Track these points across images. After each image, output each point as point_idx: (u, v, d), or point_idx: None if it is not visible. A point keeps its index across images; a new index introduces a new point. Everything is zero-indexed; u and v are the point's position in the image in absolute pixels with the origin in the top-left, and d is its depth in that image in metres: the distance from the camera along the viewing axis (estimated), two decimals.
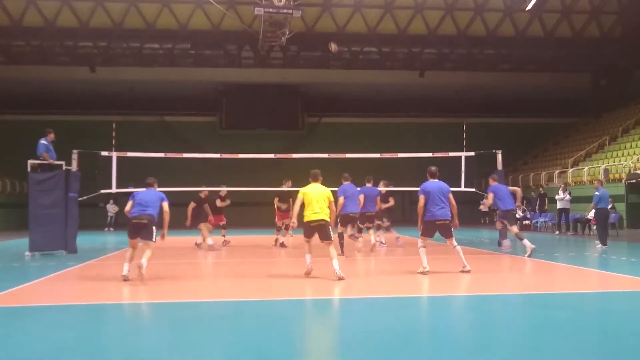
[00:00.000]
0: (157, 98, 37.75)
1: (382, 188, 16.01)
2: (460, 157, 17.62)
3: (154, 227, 9.91)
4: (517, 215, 26.22)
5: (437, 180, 10.45)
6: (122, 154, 16.41)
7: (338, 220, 13.58)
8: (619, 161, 25.87)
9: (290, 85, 37.68)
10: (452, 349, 5.51)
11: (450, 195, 10.33)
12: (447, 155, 18.29)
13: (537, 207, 26.32)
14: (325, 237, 10.03)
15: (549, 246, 17.24)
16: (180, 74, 36.13)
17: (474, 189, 18.55)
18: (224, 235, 17.66)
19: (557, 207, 22.75)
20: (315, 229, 10.08)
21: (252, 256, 14.82)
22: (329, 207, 10.19)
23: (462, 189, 17.23)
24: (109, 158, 16.07)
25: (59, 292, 9.16)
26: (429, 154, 18.93)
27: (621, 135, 30.18)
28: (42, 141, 14.90)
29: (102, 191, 16.63)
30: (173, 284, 10.07)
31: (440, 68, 37.42)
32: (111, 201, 29.64)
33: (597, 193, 16.14)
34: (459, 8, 33.51)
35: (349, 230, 13.93)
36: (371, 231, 14.57)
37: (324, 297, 8.56)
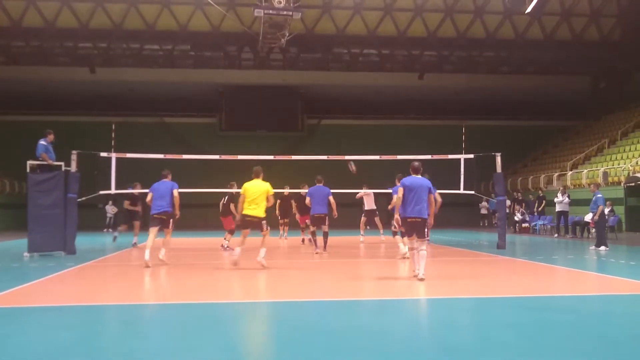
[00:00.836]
0: (156, 99, 37.76)
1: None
2: (459, 159, 17.63)
3: (171, 219, 12.38)
4: (516, 218, 26.35)
5: (419, 176, 9.91)
6: (121, 155, 16.42)
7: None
8: (618, 164, 25.89)
9: (290, 87, 37.70)
10: (450, 352, 5.52)
11: (431, 194, 9.73)
12: (446, 158, 18.31)
13: (535, 209, 26.33)
14: (259, 229, 11.17)
15: (548, 249, 17.25)
16: (180, 75, 36.16)
17: (473, 192, 18.56)
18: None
19: (556, 210, 22.74)
20: (248, 224, 11.19)
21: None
22: (267, 201, 11.23)
23: (462, 191, 17.25)
24: (109, 159, 16.08)
25: (57, 293, 9.15)
26: (429, 156, 18.97)
27: (620, 138, 30.21)
28: (42, 142, 14.89)
29: (102, 192, 16.64)
30: (174, 285, 10.07)
31: (440, 70, 37.47)
32: (110, 202, 29.62)
33: (599, 195, 16.17)
34: (458, 10, 33.54)
35: (311, 229, 14.99)
36: (397, 237, 13.39)
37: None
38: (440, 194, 16.74)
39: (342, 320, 7.00)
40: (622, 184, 24.19)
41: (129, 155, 16.83)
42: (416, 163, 10.01)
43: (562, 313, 7.30)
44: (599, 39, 34.94)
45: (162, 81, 36.03)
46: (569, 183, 27.72)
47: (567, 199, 22.30)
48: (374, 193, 18.62)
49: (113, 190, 16.41)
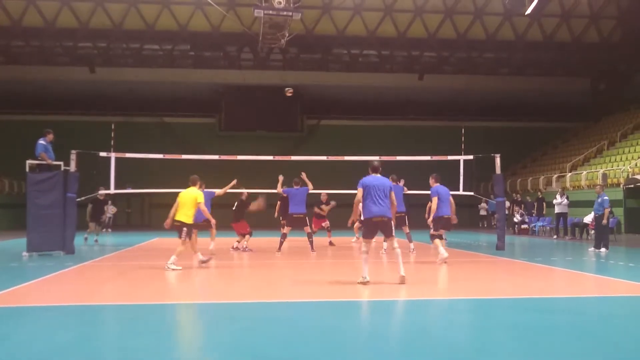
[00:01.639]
0: (156, 99, 37.75)
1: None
2: (459, 160, 17.64)
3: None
4: (516, 220, 26.35)
5: (378, 175, 9.66)
6: (121, 155, 16.42)
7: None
8: (618, 166, 25.90)
9: (290, 88, 37.64)
10: (448, 354, 5.52)
11: (392, 193, 9.51)
12: (445, 159, 18.33)
13: (534, 211, 26.34)
14: (179, 235, 11.69)
15: (547, 250, 17.25)
16: (179, 75, 36.16)
17: (472, 193, 18.57)
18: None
19: (555, 212, 22.77)
20: (175, 227, 11.70)
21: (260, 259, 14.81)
22: (195, 208, 11.74)
23: (461, 192, 17.25)
24: (108, 159, 16.08)
25: (56, 293, 9.15)
26: (428, 157, 19.00)
27: (620, 139, 30.22)
28: (41, 141, 14.89)
29: (101, 192, 16.64)
30: (175, 285, 10.07)
31: (440, 71, 37.49)
32: (109, 202, 29.59)
33: (606, 197, 16.15)
34: (458, 12, 33.54)
35: (286, 229, 15.29)
36: (437, 241, 12.88)
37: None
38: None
39: (337, 320, 6.99)
40: (621, 186, 24.20)
41: (128, 155, 16.83)
42: (375, 162, 9.79)
43: (561, 314, 7.30)
44: (599, 41, 34.94)
45: (162, 81, 36.03)
46: (568, 184, 27.72)
47: (565, 200, 22.32)
48: None
49: (112, 190, 16.41)
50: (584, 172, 27.18)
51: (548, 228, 24.78)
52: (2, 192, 31.47)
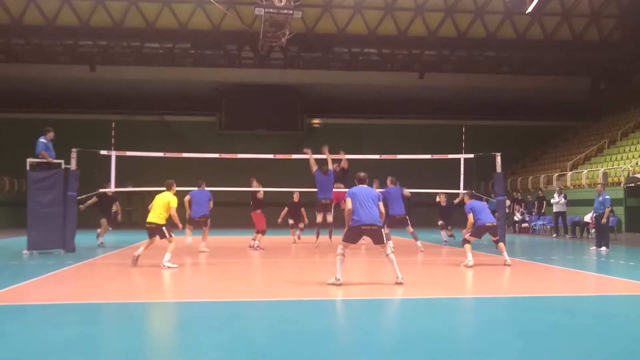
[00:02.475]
0: (156, 97, 37.73)
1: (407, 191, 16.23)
2: (459, 159, 17.63)
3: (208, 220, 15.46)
4: (516, 218, 26.35)
5: (365, 186, 9.69)
6: (121, 153, 16.41)
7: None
8: (618, 165, 25.89)
9: (290, 86, 37.68)
10: (447, 352, 5.52)
11: (380, 203, 9.52)
12: (446, 158, 18.32)
13: (535, 210, 26.34)
14: (151, 236, 12.23)
15: (548, 249, 17.25)
16: (180, 73, 36.14)
17: (472, 191, 18.51)
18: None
19: (554, 211, 22.84)
20: (148, 229, 12.13)
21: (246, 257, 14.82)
22: (168, 212, 12.08)
23: (461, 191, 17.24)
24: (108, 157, 16.07)
25: (56, 291, 9.15)
26: (428, 156, 18.98)
27: (620, 138, 30.21)
28: (42, 140, 14.90)
29: (101, 190, 16.64)
30: (176, 283, 10.08)
31: (440, 70, 37.45)
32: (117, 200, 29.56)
33: (607, 197, 16.15)
34: (459, 10, 33.52)
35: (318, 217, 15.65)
36: (467, 246, 12.45)
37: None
38: (440, 193, 16.64)
39: (335, 319, 7.00)
40: (621, 185, 24.20)
41: (128, 153, 16.82)
42: (362, 174, 9.79)
43: (561, 313, 7.30)
44: (599, 40, 34.93)
45: (162, 79, 36.01)
46: (569, 183, 27.72)
47: (563, 199, 22.38)
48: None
49: (113, 189, 16.41)
50: (585, 171, 27.17)
51: (548, 227, 24.79)
52: (2, 190, 31.48)
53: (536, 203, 26.48)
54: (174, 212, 12.08)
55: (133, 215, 34.23)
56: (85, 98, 36.84)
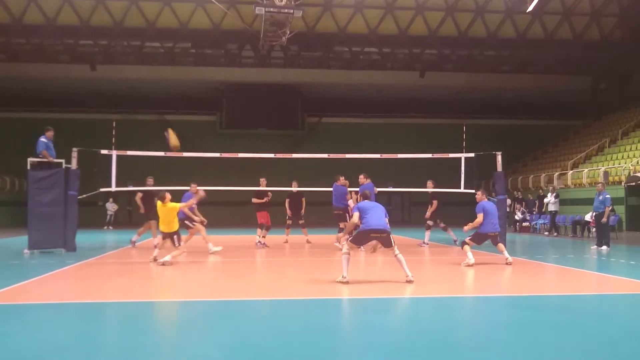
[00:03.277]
0: (157, 97, 37.74)
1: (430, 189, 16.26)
2: (460, 158, 17.61)
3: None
4: (517, 217, 26.34)
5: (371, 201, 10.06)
6: (122, 153, 16.40)
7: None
8: (619, 163, 25.87)
9: (291, 85, 37.68)
10: (447, 351, 5.51)
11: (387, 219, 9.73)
12: (446, 157, 18.30)
13: (535, 209, 26.35)
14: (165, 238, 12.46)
15: (549, 248, 17.25)
16: (180, 72, 36.14)
17: (473, 191, 18.50)
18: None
19: (549, 210, 23.51)
20: (166, 236, 12.35)
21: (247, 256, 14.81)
22: (176, 217, 12.22)
23: (462, 190, 17.23)
24: (109, 156, 16.07)
25: (57, 290, 9.16)
26: (429, 155, 18.98)
27: (621, 137, 30.18)
28: (42, 139, 14.88)
29: (102, 190, 16.63)
30: (174, 282, 10.08)
31: (441, 69, 37.44)
32: (110, 199, 29.62)
33: (608, 196, 16.15)
34: (459, 9, 33.52)
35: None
36: (466, 247, 12.30)
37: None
38: (440, 192, 16.58)
39: (339, 317, 6.99)
40: (622, 184, 24.18)
41: (129, 152, 16.81)
42: (367, 192, 10.23)
43: (561, 312, 7.29)
44: (600, 39, 34.92)
45: (163, 79, 36.02)
46: (569, 182, 27.70)
47: (553, 199, 22.78)
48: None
49: (113, 188, 16.40)
50: (586, 170, 27.15)
51: (549, 226, 24.81)
52: (3, 190, 31.49)
53: (537, 202, 26.49)
54: (187, 212, 12.18)
55: (133, 215, 34.16)
56: (85, 97, 36.86)
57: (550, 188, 24.10)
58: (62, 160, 15.19)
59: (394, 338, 6.06)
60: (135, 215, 35.77)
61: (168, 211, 12.10)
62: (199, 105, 38.58)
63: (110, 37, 33.75)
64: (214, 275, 11.17)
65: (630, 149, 27.16)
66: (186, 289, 9.57)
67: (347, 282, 9.22)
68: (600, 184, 16.80)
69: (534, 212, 26.24)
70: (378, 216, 9.57)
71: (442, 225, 17.17)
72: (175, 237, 12.18)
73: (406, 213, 37.52)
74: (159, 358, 5.40)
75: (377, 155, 18.89)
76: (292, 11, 24.15)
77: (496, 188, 17.43)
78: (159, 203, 12.22)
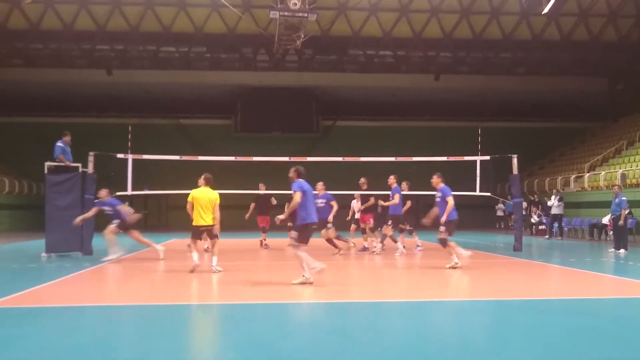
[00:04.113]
0: (172, 101, 37.99)
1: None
2: (475, 161, 17.53)
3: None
4: (533, 220, 26.15)
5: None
6: (138, 157, 16.51)
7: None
8: (636, 166, 25.56)
9: (305, 88, 37.75)
10: (463, 356, 5.48)
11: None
12: (462, 160, 18.21)
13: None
14: (212, 237, 11.45)
15: (565, 251, 17.09)
16: (196, 77, 36.33)
17: (489, 194, 18.42)
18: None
19: (552, 213, 23.56)
20: (202, 233, 11.42)
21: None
22: (214, 211, 11.15)
23: (477, 193, 17.15)
24: (125, 160, 16.18)
25: (74, 293, 9.22)
26: (444, 158, 18.89)
27: (638, 139, 29.83)
28: (59, 143, 15.04)
29: (118, 193, 16.74)
30: (191, 286, 10.10)
31: (456, 72, 37.29)
32: (127, 203, 29.73)
33: (624, 198, 16.00)
34: (474, 11, 33.37)
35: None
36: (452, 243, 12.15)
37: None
38: (456, 195, 16.35)
39: (349, 320, 6.96)
40: None
41: (145, 156, 16.92)
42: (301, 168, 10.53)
43: (581, 316, 7.22)
44: (617, 40, 34.57)
45: (178, 83, 36.24)
46: (586, 185, 27.43)
47: (557, 202, 22.91)
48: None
49: (129, 192, 16.52)
50: (603, 173, 26.86)
51: (566, 229, 24.62)
52: (21, 194, 31.84)
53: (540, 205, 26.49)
54: (218, 212, 11.22)
55: (149, 219, 34.40)
56: (102, 102, 37.18)
57: (554, 191, 24.02)
58: (79, 164, 15.33)
59: (406, 343, 6.02)
60: (151, 219, 36.19)
61: (211, 199, 11.20)
62: (214, 109, 38.81)
63: (126, 42, 34.03)
64: (231, 279, 11.17)
65: None
66: (201, 293, 9.57)
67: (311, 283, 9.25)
68: (616, 187, 16.63)
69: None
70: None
71: (408, 228, 16.44)
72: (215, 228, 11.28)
73: (421, 217, 37.35)
74: None
75: (392, 158, 18.83)
76: (306, 15, 24.20)
77: (512, 191, 17.33)
78: (198, 190, 11.27)
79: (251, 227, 20.11)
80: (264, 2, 27.75)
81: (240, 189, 18.98)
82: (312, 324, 6.99)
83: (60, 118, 34.84)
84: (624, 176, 24.61)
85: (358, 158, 19.21)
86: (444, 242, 11.88)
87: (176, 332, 6.48)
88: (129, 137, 24.01)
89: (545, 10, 28.37)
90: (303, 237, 9.46)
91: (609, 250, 16.32)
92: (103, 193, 14.03)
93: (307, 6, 24.25)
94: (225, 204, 15.91)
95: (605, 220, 20.51)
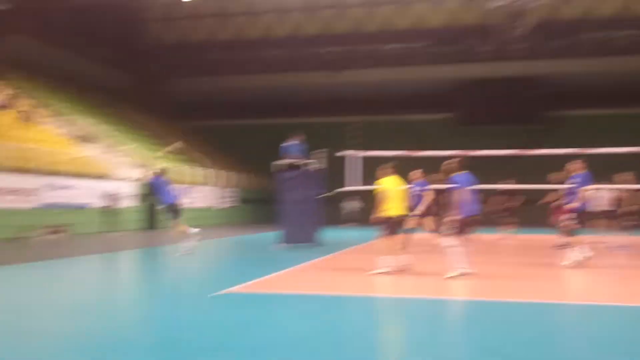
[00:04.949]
0: (392, 97, 38.61)
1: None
2: None
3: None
4: None
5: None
6: (367, 153, 17.17)
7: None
8: None
9: (527, 78, 35.72)
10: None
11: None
12: None
13: None
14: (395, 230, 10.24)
15: None
16: (416, 72, 36.49)
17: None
18: None
19: None
20: (394, 223, 10.15)
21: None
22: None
23: None
24: (351, 157, 16.93)
25: (306, 281, 9.84)
26: None
27: None
28: (293, 142, 16.33)
29: (340, 189, 17.57)
30: (434, 280, 10.12)
31: None
32: (356, 198, 30.91)
33: None
34: None
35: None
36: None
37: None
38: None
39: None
40: None
41: (370, 153, 17.49)
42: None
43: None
44: None
45: (399, 79, 36.71)
46: None
47: None
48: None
49: (354, 187, 17.22)
50: None
51: None
52: (258, 188, 34.97)
53: None
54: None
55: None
56: (328, 102, 39.12)
57: None
58: (310, 162, 16.45)
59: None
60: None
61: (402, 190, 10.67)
62: (434, 103, 38.60)
63: (350, 43, 35.33)
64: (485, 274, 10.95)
65: None
66: (438, 287, 9.51)
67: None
68: None
69: None
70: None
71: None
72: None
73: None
74: (396, 353, 5.50)
75: (637, 149, 16.76)
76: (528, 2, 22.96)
77: None
78: (388, 179, 10.54)
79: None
80: None
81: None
82: None
83: (292, 119, 37.35)
84: None
85: (596, 150, 17.26)
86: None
87: (402, 325, 6.51)
88: (360, 134, 24.75)
89: None
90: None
91: None
92: (418, 174, 13.44)
93: None
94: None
95: None
